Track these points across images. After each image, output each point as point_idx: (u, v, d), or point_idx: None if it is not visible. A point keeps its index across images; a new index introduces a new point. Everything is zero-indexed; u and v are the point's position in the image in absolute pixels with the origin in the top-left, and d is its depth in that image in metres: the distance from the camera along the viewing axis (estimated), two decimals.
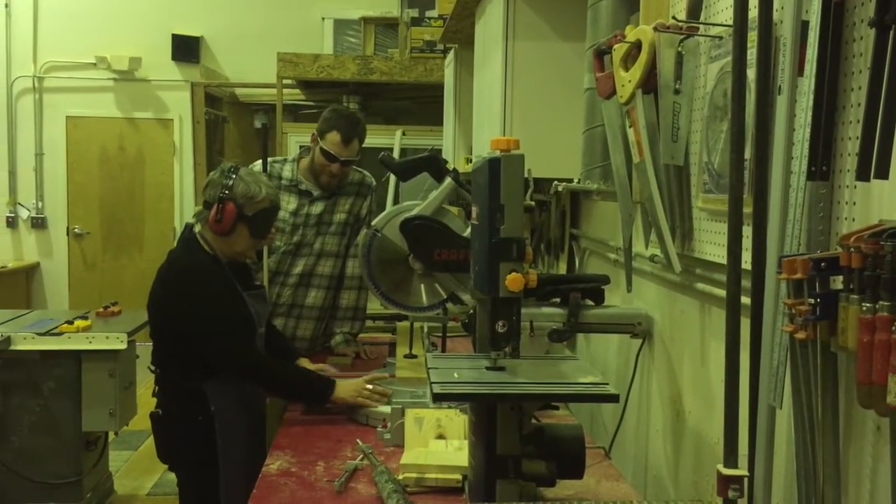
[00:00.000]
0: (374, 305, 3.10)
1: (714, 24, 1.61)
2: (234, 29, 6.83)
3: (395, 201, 5.14)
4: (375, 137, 5.68)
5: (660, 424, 2.04)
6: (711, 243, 1.64)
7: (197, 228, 2.39)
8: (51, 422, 3.35)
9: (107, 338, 3.31)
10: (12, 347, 3.27)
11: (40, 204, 6.94)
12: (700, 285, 1.73)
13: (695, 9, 1.70)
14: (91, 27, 6.78)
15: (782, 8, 1.25)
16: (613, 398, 1.33)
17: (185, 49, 6.77)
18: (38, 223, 6.95)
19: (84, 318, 3.56)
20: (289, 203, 2.96)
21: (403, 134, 5.67)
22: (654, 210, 1.74)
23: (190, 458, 2.33)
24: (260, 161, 2.99)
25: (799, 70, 1.19)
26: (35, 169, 6.92)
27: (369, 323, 3.51)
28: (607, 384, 1.33)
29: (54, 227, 6.98)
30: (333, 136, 2.85)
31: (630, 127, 1.80)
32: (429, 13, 5.65)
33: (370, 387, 2.24)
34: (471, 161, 3.55)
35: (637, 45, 1.74)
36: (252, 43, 6.71)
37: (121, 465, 4.21)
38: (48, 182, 6.94)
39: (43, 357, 3.32)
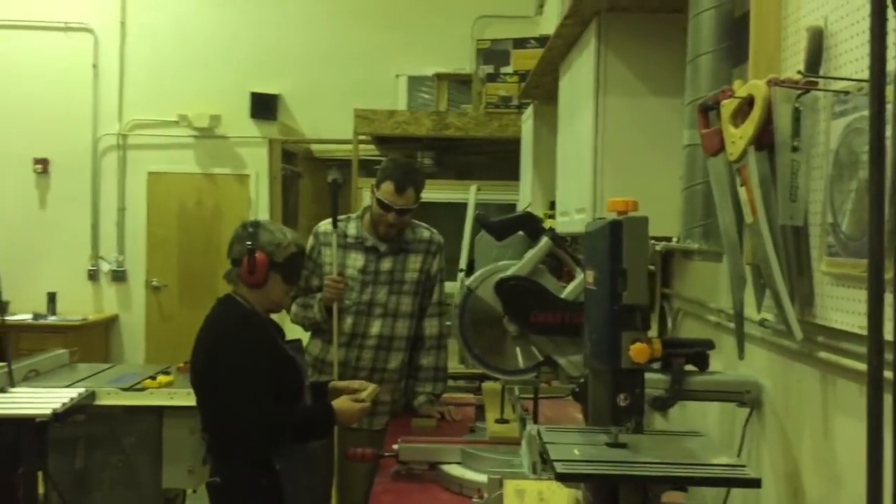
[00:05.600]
0: (453, 364, 3.04)
1: (839, 79, 1.53)
2: (310, 86, 6.97)
3: (470, 256, 5.11)
4: (450, 192, 5.68)
5: (772, 502, 1.91)
6: (837, 310, 1.54)
7: (231, 289, 2.40)
8: (131, 478, 3.35)
9: (188, 394, 3.30)
10: (96, 402, 3.29)
11: (121, 257, 7.11)
12: (823, 354, 1.62)
13: (813, 62, 1.62)
14: (174, 86, 7.00)
15: None
16: (755, 483, 1.23)
17: (263, 106, 6.93)
18: (119, 276, 7.11)
19: (166, 372, 3.58)
20: (356, 260, 2.94)
21: (478, 189, 5.65)
22: (770, 273, 1.64)
23: None
24: (328, 220, 2.99)
25: None
26: (117, 223, 7.10)
27: (450, 382, 3.45)
28: (745, 466, 1.24)
29: (134, 280, 7.13)
30: (388, 186, 2.85)
31: (741, 185, 1.72)
32: (503, 69, 5.68)
33: (367, 405, 2.38)
34: (552, 217, 3.49)
35: (748, 101, 1.67)
36: (328, 100, 6.83)
37: None
38: (129, 236, 7.12)
39: (125, 412, 3.33)
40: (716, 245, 1.95)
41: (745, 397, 1.96)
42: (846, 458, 1.44)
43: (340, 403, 2.37)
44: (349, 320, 2.93)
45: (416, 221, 3.06)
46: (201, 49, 7.02)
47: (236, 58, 7.00)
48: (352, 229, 2.99)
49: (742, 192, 1.73)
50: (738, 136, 1.70)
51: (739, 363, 2.07)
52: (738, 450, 2.05)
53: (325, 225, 2.99)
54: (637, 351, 1.24)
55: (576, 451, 1.27)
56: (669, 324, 2.74)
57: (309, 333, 3.10)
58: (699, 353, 1.98)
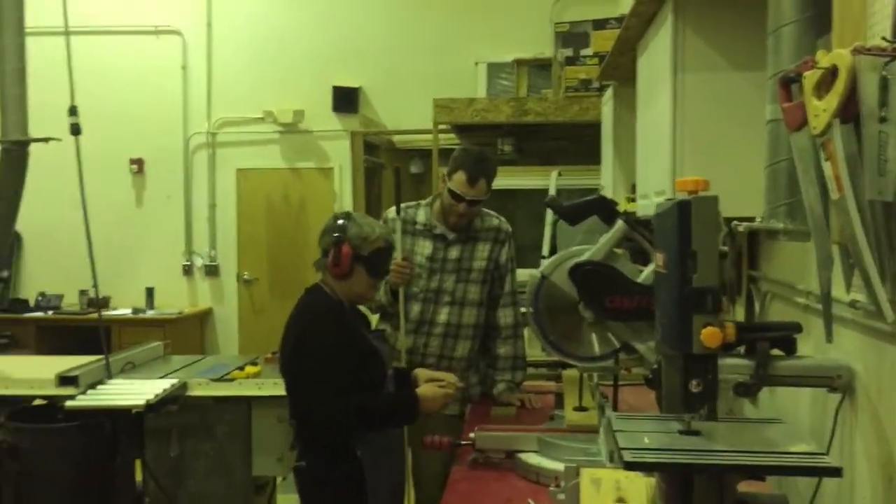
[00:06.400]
0: (535, 352, 3.00)
1: None
2: (390, 78, 7.02)
3: (552, 242, 5.05)
4: (531, 179, 5.64)
5: (867, 492, 1.81)
6: None
7: (319, 278, 2.47)
8: (223, 466, 3.44)
9: (275, 384, 3.38)
10: (188, 393, 3.39)
11: (213, 252, 7.34)
12: None
13: None
14: (259, 84, 7.16)
15: None
16: (835, 472, 1.16)
17: (345, 100, 7.02)
18: (212, 271, 7.34)
19: (254, 363, 3.66)
20: (424, 248, 2.94)
21: (560, 175, 5.58)
22: (858, 251, 1.56)
23: None
24: (393, 207, 3.00)
25: None
26: (209, 219, 7.33)
27: (531, 370, 3.42)
28: (825, 454, 1.18)
29: (226, 274, 7.35)
30: (460, 176, 2.83)
31: (826, 160, 1.63)
32: (583, 52, 5.58)
33: (450, 392, 2.40)
34: (633, 200, 3.41)
35: (832, 71, 1.58)
36: (408, 90, 6.87)
37: None
38: (220, 232, 7.34)
39: (216, 402, 3.43)
40: (802, 224, 1.86)
41: (836, 382, 1.86)
42: None
43: (425, 390, 2.39)
44: (417, 308, 2.94)
45: (486, 210, 3.04)
46: (283, 46, 7.15)
47: (317, 53, 7.11)
48: (421, 216, 2.99)
49: (827, 167, 1.64)
50: (821, 109, 1.62)
51: (830, 347, 1.98)
52: (830, 437, 1.96)
53: (391, 210, 3.00)
54: (709, 335, 1.19)
55: (646, 440, 1.24)
56: (757, 307, 2.64)
57: (376, 317, 3.13)
58: (785, 337, 1.90)
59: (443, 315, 2.95)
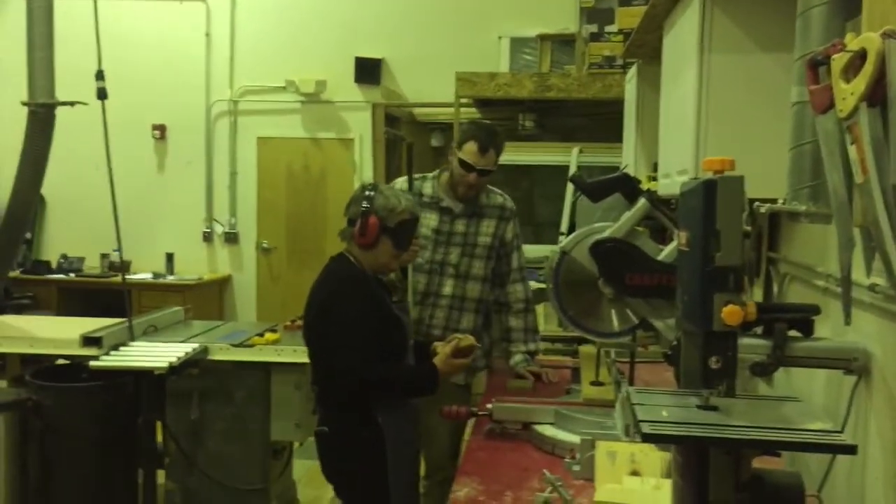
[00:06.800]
0: (552, 327, 3.03)
1: None
2: (413, 50, 7.01)
3: (571, 219, 5.06)
4: (552, 155, 5.64)
5: (880, 472, 1.84)
6: None
7: (344, 247, 2.50)
8: (241, 430, 3.50)
9: (294, 351, 3.43)
10: (209, 357, 3.45)
11: (233, 220, 7.39)
12: None
13: None
14: (282, 53, 7.17)
15: None
16: (850, 450, 1.19)
17: (367, 71, 7.01)
18: (231, 238, 7.40)
19: (273, 330, 3.71)
20: (430, 220, 2.97)
21: (581, 151, 5.58)
22: (880, 235, 1.57)
23: (357, 474, 2.36)
24: (403, 178, 3.02)
25: None
26: (229, 187, 7.38)
27: (547, 345, 3.45)
28: (840, 432, 1.20)
29: (245, 241, 7.41)
30: (470, 146, 2.86)
31: (852, 143, 1.64)
32: (608, 28, 5.55)
33: (466, 362, 2.44)
34: (654, 179, 3.41)
35: (861, 55, 1.58)
36: (430, 63, 6.85)
37: (303, 474, 4.35)
38: (240, 199, 7.38)
39: (235, 367, 3.48)
40: (824, 207, 1.87)
41: (853, 365, 1.88)
42: None
43: (441, 363, 2.42)
44: (423, 279, 2.98)
45: (490, 187, 3.07)
46: (307, 16, 7.14)
47: (341, 24, 7.09)
48: (427, 188, 3.03)
49: (852, 150, 1.64)
50: (848, 92, 1.62)
51: (848, 329, 1.99)
52: (844, 418, 1.98)
53: (402, 183, 3.04)
54: (729, 313, 1.22)
55: (664, 413, 1.26)
56: (775, 288, 2.65)
57: None
58: (803, 319, 1.91)
59: (447, 287, 2.99)
